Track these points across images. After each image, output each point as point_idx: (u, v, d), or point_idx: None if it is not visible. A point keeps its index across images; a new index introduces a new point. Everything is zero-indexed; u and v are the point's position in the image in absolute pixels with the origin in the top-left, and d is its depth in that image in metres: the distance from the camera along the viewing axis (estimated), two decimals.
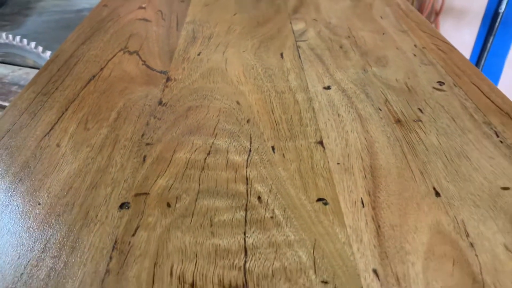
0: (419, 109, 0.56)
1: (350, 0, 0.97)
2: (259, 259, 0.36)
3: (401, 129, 0.52)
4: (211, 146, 0.49)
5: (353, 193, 0.43)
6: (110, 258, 0.36)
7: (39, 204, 0.41)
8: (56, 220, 0.39)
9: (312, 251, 0.36)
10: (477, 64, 1.97)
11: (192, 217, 0.40)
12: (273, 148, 0.49)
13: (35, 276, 0.34)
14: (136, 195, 0.42)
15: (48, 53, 1.48)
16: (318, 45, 0.75)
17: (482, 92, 0.60)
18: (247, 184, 0.44)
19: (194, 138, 0.50)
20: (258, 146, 0.49)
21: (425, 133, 0.52)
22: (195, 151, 0.48)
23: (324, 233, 0.38)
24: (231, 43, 0.75)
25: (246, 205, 0.41)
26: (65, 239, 0.37)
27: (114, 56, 0.70)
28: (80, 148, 0.49)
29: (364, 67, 0.67)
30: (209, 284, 0.34)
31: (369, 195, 0.42)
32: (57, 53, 0.71)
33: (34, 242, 0.37)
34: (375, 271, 0.35)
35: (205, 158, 0.47)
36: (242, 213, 0.40)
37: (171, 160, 0.47)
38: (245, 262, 0.36)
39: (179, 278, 0.34)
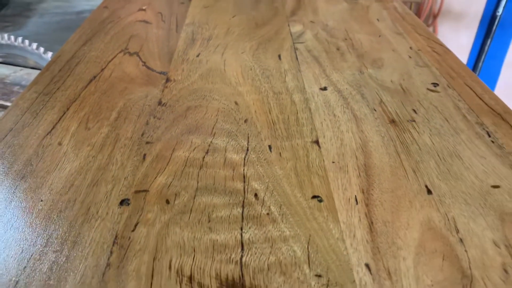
0: (413, 110, 0.58)
1: (347, 3, 0.98)
2: (255, 253, 0.37)
3: (395, 129, 0.54)
4: (209, 145, 0.50)
5: (347, 191, 0.44)
6: (111, 252, 0.37)
7: (41, 200, 0.42)
8: (58, 216, 0.40)
9: (306, 246, 0.38)
10: (475, 66, 1.99)
11: (191, 213, 0.41)
12: (270, 147, 0.50)
13: (37, 270, 0.35)
14: (136, 192, 0.43)
15: (49, 54, 1.49)
16: (315, 47, 0.76)
17: (475, 93, 0.61)
18: (244, 181, 0.45)
19: (193, 137, 0.52)
20: (255, 145, 0.50)
21: (418, 133, 0.53)
22: (193, 149, 0.50)
23: (319, 229, 0.39)
24: (230, 45, 0.77)
25: (243, 202, 0.42)
26: (67, 234, 0.38)
27: (114, 57, 0.71)
28: (81, 146, 0.50)
29: (360, 68, 0.69)
30: (206, 278, 0.35)
31: (363, 192, 0.44)
32: (59, 54, 0.72)
33: (36, 237, 0.38)
34: (367, 266, 0.36)
35: (204, 157, 0.48)
36: (239, 210, 0.41)
37: (170, 158, 0.48)
38: (242, 256, 0.37)
39: (177, 272, 0.35)
